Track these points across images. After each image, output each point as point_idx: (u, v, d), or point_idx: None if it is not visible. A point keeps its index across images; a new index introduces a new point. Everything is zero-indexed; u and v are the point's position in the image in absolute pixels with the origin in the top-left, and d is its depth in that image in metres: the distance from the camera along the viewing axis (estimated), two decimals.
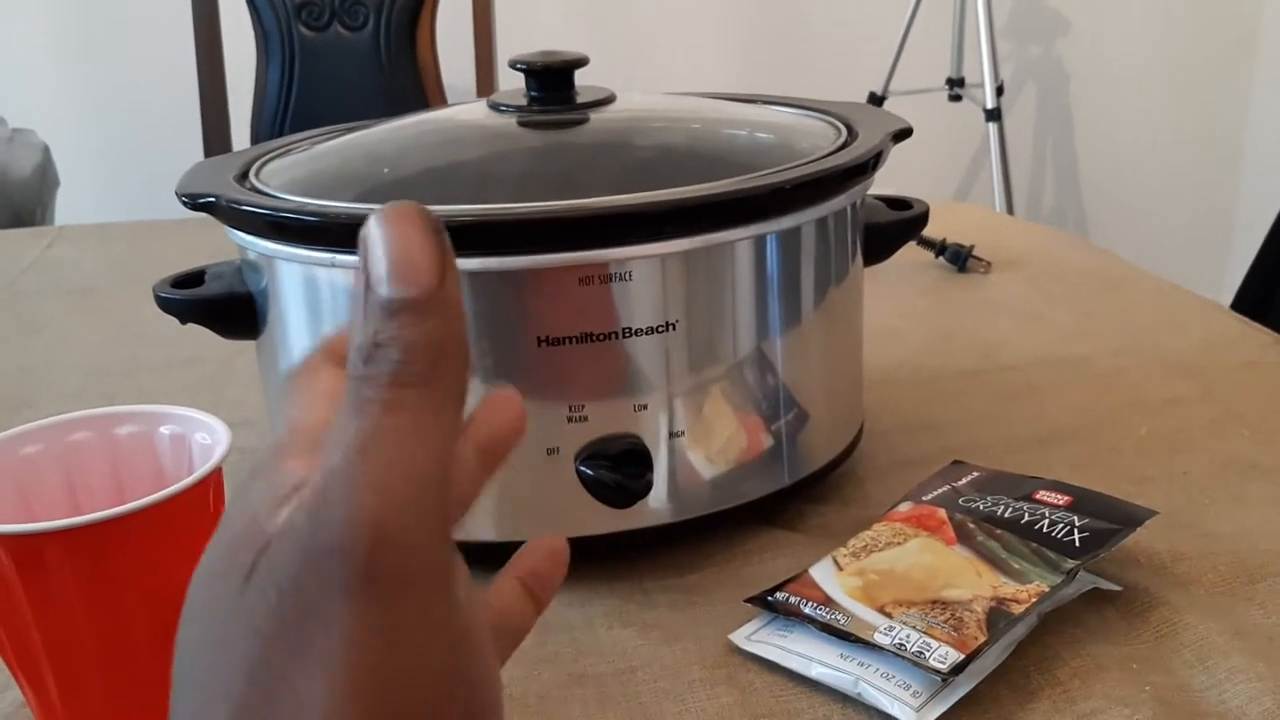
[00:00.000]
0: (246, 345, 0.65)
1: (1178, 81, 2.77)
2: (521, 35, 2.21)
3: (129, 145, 2.38)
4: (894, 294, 0.99)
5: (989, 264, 1.03)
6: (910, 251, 1.05)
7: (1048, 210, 2.84)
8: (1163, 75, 2.76)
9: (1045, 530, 0.56)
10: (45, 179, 2.07)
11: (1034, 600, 0.51)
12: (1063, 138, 2.80)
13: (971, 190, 2.73)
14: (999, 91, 2.33)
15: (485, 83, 1.92)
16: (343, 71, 1.87)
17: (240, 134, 1.92)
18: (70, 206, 2.14)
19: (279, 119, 1.88)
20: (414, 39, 1.87)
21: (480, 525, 0.59)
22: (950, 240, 1.04)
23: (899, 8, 2.40)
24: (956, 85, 2.47)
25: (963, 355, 0.87)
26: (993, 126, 2.33)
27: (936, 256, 1.05)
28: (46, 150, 2.10)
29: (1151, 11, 2.71)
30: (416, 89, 1.88)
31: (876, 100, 2.41)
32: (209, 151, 1.89)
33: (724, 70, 2.56)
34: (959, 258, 1.03)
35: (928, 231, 1.05)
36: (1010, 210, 2.43)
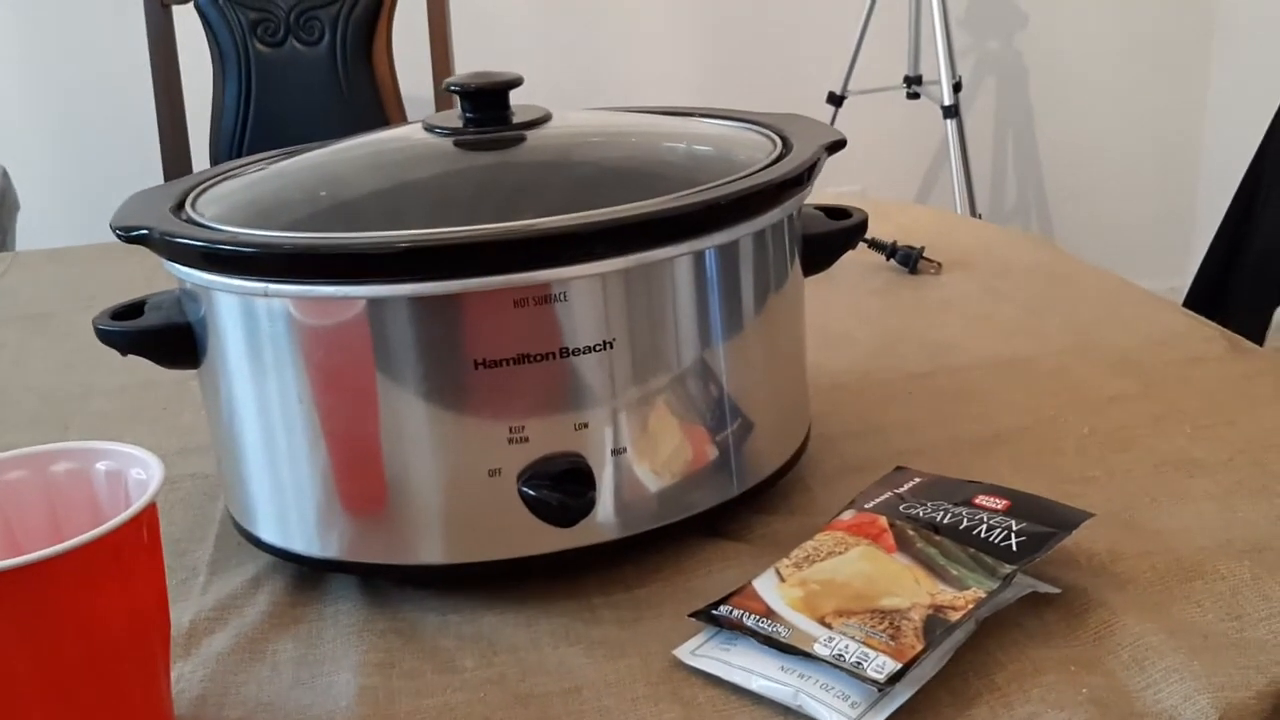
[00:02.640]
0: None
1: (1137, 72, 2.79)
2: (481, 46, 2.21)
3: (90, 168, 2.37)
4: (846, 297, 1.00)
5: (939, 265, 1.04)
6: (862, 254, 1.06)
7: (1011, 206, 2.86)
8: (1122, 67, 2.78)
9: (983, 535, 0.56)
10: (5, 203, 2.05)
11: (971, 606, 0.52)
12: (1024, 132, 2.82)
13: (935, 188, 2.74)
14: (956, 88, 2.34)
15: (445, 96, 1.92)
16: (300, 87, 1.86)
17: (200, 152, 1.92)
18: (32, 230, 2.13)
19: (237, 137, 1.88)
20: (370, 53, 1.86)
21: (428, 549, 0.59)
22: (901, 242, 1.05)
23: (856, 6, 2.41)
24: (914, 83, 2.47)
25: (912, 357, 0.87)
26: (951, 124, 2.33)
27: (888, 259, 1.05)
28: (6, 175, 2.08)
29: (1108, 2, 2.74)
30: (375, 103, 1.88)
31: (836, 100, 2.41)
32: (168, 172, 1.89)
33: (683, 75, 2.56)
34: (910, 259, 1.04)
35: (879, 234, 1.07)
36: (973, 207, 2.44)
